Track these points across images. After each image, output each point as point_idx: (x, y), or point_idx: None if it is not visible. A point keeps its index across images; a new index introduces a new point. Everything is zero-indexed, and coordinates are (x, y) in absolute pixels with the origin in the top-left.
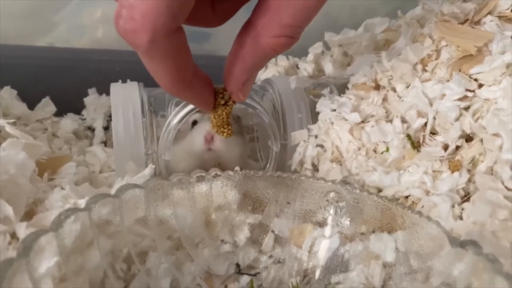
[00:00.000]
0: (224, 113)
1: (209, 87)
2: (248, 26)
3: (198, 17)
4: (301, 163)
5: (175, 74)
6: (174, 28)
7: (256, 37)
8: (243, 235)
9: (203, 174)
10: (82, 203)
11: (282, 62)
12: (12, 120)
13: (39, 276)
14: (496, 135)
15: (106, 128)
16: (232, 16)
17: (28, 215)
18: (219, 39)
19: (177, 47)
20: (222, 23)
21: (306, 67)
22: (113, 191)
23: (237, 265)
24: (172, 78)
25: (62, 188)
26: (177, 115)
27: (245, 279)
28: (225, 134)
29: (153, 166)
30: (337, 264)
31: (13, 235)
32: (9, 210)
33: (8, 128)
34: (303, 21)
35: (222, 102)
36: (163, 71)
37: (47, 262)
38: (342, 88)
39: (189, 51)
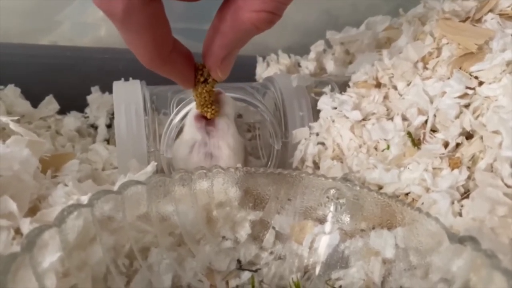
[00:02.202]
0: (204, 91)
1: (190, 62)
2: (229, 0)
3: None
4: (302, 160)
5: (153, 47)
6: None
7: (236, 11)
8: (244, 231)
9: (204, 171)
10: (85, 199)
11: (283, 60)
12: (16, 118)
13: (42, 271)
14: (496, 132)
15: (109, 126)
16: None
17: (31, 211)
18: None
19: (154, 17)
20: None
21: (308, 65)
22: (115, 187)
23: (238, 261)
24: (149, 50)
25: (65, 185)
26: (179, 113)
27: (246, 275)
28: (209, 114)
29: (155, 164)
30: (337, 260)
31: (17, 231)
32: (13, 206)
33: (12, 125)
34: None
35: (202, 79)
36: (140, 43)
37: (50, 257)
38: (343, 86)
39: (168, 24)
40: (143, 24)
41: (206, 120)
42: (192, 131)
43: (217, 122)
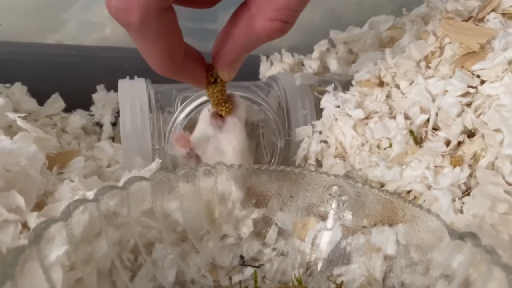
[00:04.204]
0: (216, 90)
1: (201, 64)
2: (243, 6)
3: None
4: (305, 158)
5: (167, 54)
6: (165, 6)
7: (250, 19)
8: (246, 228)
9: (208, 168)
10: (90, 194)
11: (287, 59)
12: (23, 114)
13: (49, 264)
14: (497, 130)
15: (114, 124)
16: None
17: (38, 206)
18: None
19: (168, 26)
20: (213, 5)
21: (311, 64)
22: (120, 183)
23: (241, 257)
24: (163, 58)
25: (71, 181)
26: (183, 111)
27: (249, 270)
28: (223, 112)
29: (160, 161)
30: (339, 257)
31: (24, 225)
32: (20, 200)
33: (20, 122)
34: (299, 4)
35: (212, 80)
36: (155, 51)
37: (57, 250)
38: (347, 85)
39: (180, 31)
40: (158, 33)
41: (220, 118)
42: (205, 127)
43: (227, 119)
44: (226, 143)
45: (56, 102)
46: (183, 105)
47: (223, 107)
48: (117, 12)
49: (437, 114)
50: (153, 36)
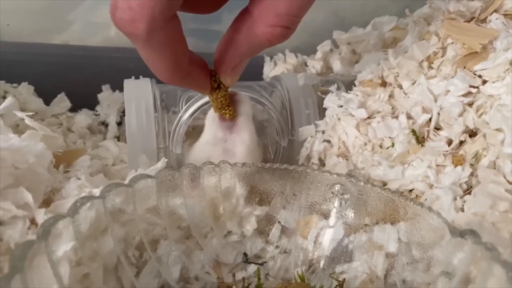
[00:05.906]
0: (219, 95)
1: (205, 70)
2: (245, 12)
3: (192, 3)
4: (308, 158)
5: (172, 63)
6: (170, 15)
7: (251, 25)
8: (250, 226)
9: (212, 166)
10: (97, 192)
11: (290, 59)
12: (31, 113)
13: (57, 259)
14: (498, 130)
15: (119, 124)
16: (226, 2)
17: (45, 203)
18: None
19: (174, 34)
20: (217, 10)
21: (315, 64)
22: (126, 181)
23: (245, 254)
24: (169, 67)
25: (78, 178)
26: (187, 110)
27: (252, 268)
28: (227, 115)
29: (166, 160)
30: (341, 254)
31: (32, 221)
32: (28, 197)
33: (27, 121)
34: (300, 10)
35: (215, 85)
36: (161, 60)
37: (64, 246)
38: (350, 85)
39: (184, 39)
40: (164, 42)
41: (228, 119)
42: (213, 130)
43: (237, 120)
44: (239, 143)
45: (62, 102)
46: (187, 104)
47: (227, 110)
48: (123, 23)
49: (439, 113)
50: (159, 45)
